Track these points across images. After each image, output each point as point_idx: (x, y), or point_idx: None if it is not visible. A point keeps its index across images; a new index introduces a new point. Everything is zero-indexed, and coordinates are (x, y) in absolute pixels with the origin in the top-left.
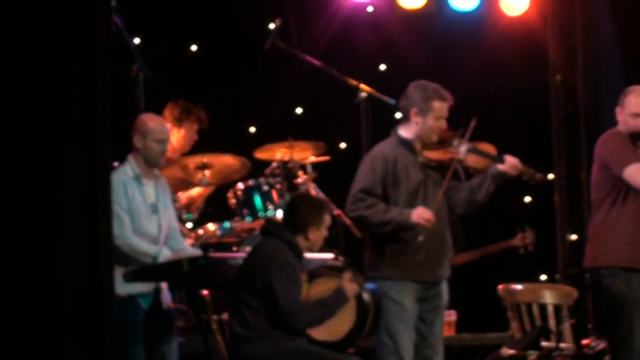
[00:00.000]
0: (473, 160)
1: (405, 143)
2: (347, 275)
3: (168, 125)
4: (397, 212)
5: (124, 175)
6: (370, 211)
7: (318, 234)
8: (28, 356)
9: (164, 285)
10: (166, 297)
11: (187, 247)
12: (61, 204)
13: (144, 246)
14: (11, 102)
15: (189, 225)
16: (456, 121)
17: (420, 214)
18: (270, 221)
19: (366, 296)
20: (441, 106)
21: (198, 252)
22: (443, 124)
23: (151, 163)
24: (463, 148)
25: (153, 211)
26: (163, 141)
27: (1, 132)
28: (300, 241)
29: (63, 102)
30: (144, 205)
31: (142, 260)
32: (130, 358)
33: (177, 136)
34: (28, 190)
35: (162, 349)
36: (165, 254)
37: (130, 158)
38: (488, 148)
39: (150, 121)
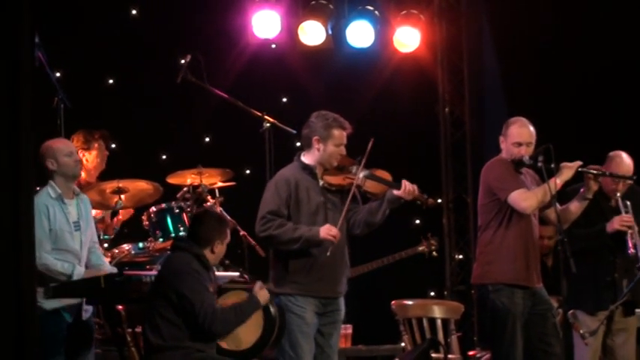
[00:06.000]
0: (370, 186)
1: (307, 168)
2: (258, 283)
3: (79, 151)
4: (306, 229)
5: (47, 197)
6: (280, 230)
7: (222, 247)
8: None
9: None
10: (87, 310)
11: (106, 264)
12: None
13: (58, 265)
14: None
15: (106, 245)
16: (352, 149)
17: (327, 230)
18: (179, 238)
19: (272, 309)
20: (340, 134)
21: (114, 269)
22: (342, 150)
23: (71, 177)
24: (361, 174)
25: (75, 229)
26: (72, 153)
27: None
28: (207, 254)
29: None
30: (67, 223)
31: (58, 279)
32: None
33: (89, 158)
34: None
35: None
36: (79, 272)
37: (51, 182)
38: (384, 174)
39: (52, 143)
